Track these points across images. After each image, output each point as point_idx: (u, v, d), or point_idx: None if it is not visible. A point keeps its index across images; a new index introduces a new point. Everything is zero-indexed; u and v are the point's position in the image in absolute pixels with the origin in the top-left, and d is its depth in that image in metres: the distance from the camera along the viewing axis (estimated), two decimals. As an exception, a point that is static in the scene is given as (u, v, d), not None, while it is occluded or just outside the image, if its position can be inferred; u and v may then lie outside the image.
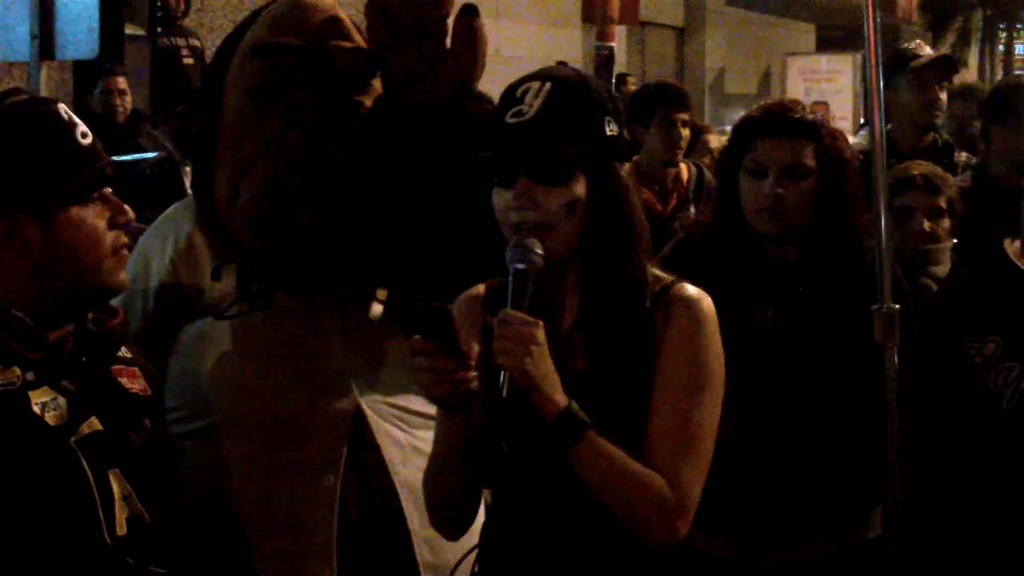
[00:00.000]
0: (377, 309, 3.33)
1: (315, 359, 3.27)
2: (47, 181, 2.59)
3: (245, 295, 3.22)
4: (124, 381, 2.75)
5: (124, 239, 2.70)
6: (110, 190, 2.69)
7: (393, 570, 3.28)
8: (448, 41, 3.29)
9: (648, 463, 2.69)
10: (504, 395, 2.63)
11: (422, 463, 2.93)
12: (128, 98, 9.66)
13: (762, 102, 4.00)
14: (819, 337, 3.74)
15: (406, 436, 3.32)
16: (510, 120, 2.76)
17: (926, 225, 4.63)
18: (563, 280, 2.81)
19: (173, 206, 3.47)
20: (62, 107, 2.69)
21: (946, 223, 4.68)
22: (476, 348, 2.69)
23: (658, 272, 2.86)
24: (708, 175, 6.78)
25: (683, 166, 6.72)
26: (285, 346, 3.25)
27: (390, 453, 3.29)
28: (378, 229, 3.18)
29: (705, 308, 2.80)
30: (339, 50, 3.27)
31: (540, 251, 2.69)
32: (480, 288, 2.93)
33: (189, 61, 11.48)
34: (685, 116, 6.61)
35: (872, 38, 4.06)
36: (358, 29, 3.38)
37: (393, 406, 3.34)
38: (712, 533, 3.64)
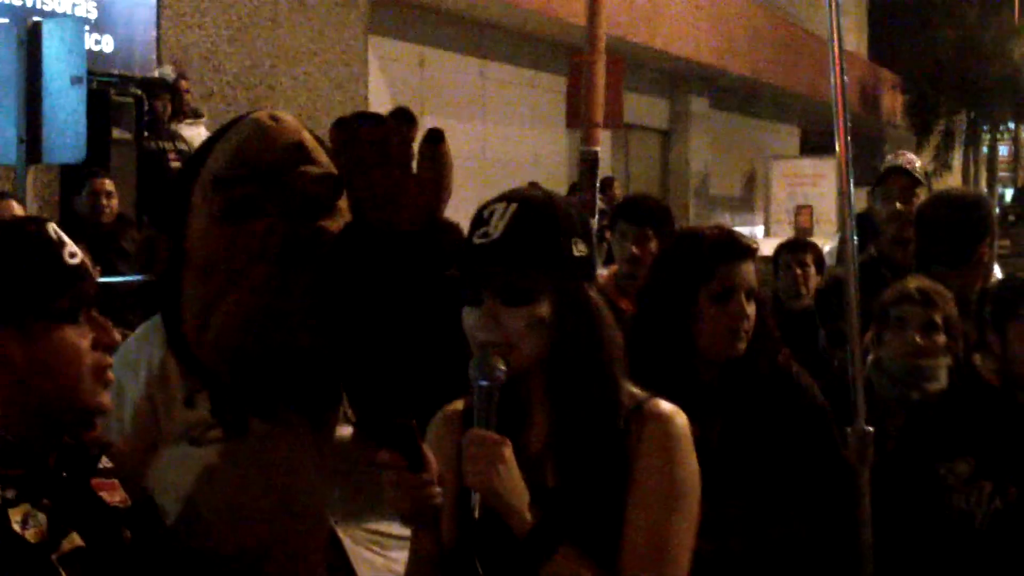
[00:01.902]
0: (347, 431, 3.34)
1: (291, 485, 3.26)
2: (31, 299, 2.61)
3: (220, 422, 3.25)
4: (104, 495, 2.75)
5: (108, 360, 2.70)
6: (98, 312, 2.71)
7: None
8: (414, 166, 3.30)
9: None
10: (476, 515, 2.66)
11: None
12: (115, 200, 9.71)
13: (708, 228, 4.05)
14: (766, 450, 3.81)
15: (383, 560, 3.30)
16: (476, 241, 2.82)
17: (918, 339, 4.68)
18: (531, 396, 2.84)
19: (142, 327, 3.48)
20: (51, 226, 2.72)
21: (941, 338, 4.71)
22: (437, 464, 2.71)
23: (633, 389, 2.88)
24: None
25: None
26: (262, 471, 3.25)
27: None
28: (347, 353, 3.21)
29: (679, 425, 2.83)
30: (302, 178, 3.29)
31: (503, 367, 2.73)
32: (458, 404, 2.96)
33: (176, 164, 11.54)
34: (644, 231, 6.63)
35: (843, 144, 4.18)
36: (322, 144, 3.41)
37: (368, 530, 3.32)
38: None
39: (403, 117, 3.29)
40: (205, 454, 3.25)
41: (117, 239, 9.51)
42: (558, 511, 2.72)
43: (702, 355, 3.86)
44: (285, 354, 3.22)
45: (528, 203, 2.85)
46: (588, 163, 14.97)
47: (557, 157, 21.85)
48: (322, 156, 3.38)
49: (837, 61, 4.29)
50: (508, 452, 2.68)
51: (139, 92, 11.62)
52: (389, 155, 3.27)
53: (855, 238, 4.35)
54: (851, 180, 4.26)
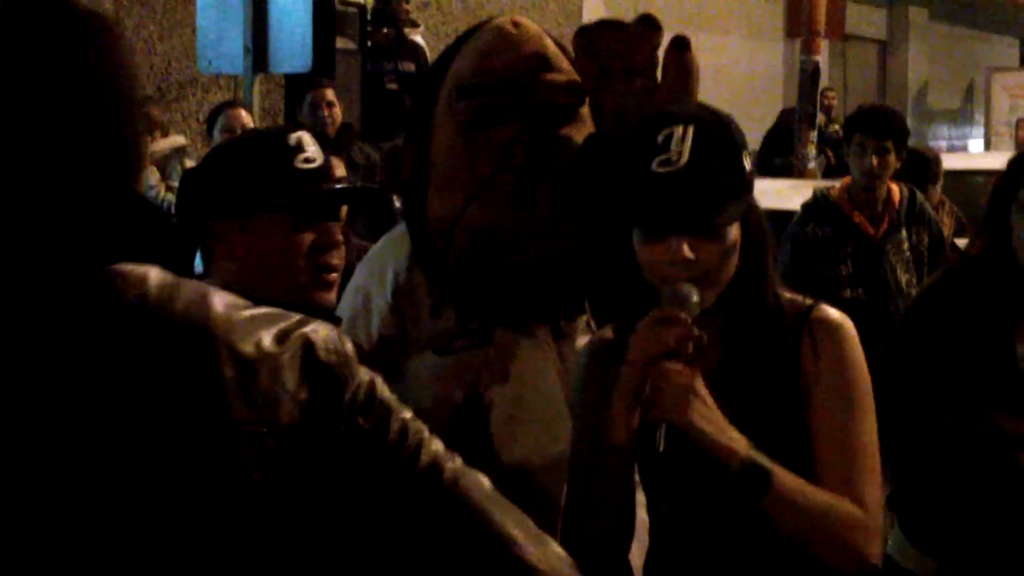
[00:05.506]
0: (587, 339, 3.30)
1: (535, 392, 3.28)
2: (252, 194, 2.81)
3: (465, 331, 3.27)
4: None
5: (331, 261, 2.84)
6: (333, 220, 2.87)
7: None
8: (658, 74, 3.27)
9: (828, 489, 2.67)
10: (660, 450, 2.56)
11: None
12: (336, 110, 9.73)
13: None
14: None
15: None
16: (659, 170, 2.62)
17: None
18: (711, 325, 2.72)
19: (385, 238, 3.52)
20: (296, 135, 2.89)
21: None
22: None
23: (789, 293, 2.82)
24: (921, 197, 6.75)
25: (895, 188, 6.66)
26: (508, 379, 3.27)
27: None
28: (592, 263, 3.19)
29: (849, 330, 2.77)
30: (546, 85, 3.26)
31: (697, 299, 2.61)
32: (607, 332, 2.90)
33: (392, 87, 11.63)
34: (883, 143, 6.50)
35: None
36: (564, 50, 3.38)
37: None
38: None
39: (648, 24, 3.26)
40: (450, 362, 3.27)
41: (345, 150, 9.57)
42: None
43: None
44: (530, 264, 3.21)
45: (704, 123, 2.67)
46: (809, 73, 14.76)
47: (774, 69, 21.57)
48: (564, 63, 3.34)
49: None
50: (700, 383, 2.58)
51: (363, 1, 11.73)
52: (633, 63, 3.24)
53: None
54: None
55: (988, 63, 28.21)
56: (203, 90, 11.77)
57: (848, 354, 2.75)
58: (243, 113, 8.23)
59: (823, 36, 15.34)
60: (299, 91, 9.96)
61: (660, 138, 2.64)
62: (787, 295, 2.82)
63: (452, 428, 3.22)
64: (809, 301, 2.80)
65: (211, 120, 8.33)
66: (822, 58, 15.57)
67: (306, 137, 2.90)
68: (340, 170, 5.23)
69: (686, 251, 2.60)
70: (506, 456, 3.25)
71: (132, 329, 1.76)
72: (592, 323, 3.34)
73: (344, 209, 4.80)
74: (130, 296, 1.78)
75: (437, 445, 1.99)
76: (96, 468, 1.72)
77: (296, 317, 1.91)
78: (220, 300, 1.85)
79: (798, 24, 15.48)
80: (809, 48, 15.01)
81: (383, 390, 1.96)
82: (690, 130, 2.63)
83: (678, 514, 2.78)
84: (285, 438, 1.82)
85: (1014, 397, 3.55)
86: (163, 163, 8.53)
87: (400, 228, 3.43)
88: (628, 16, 3.34)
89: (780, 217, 6.53)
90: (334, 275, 2.86)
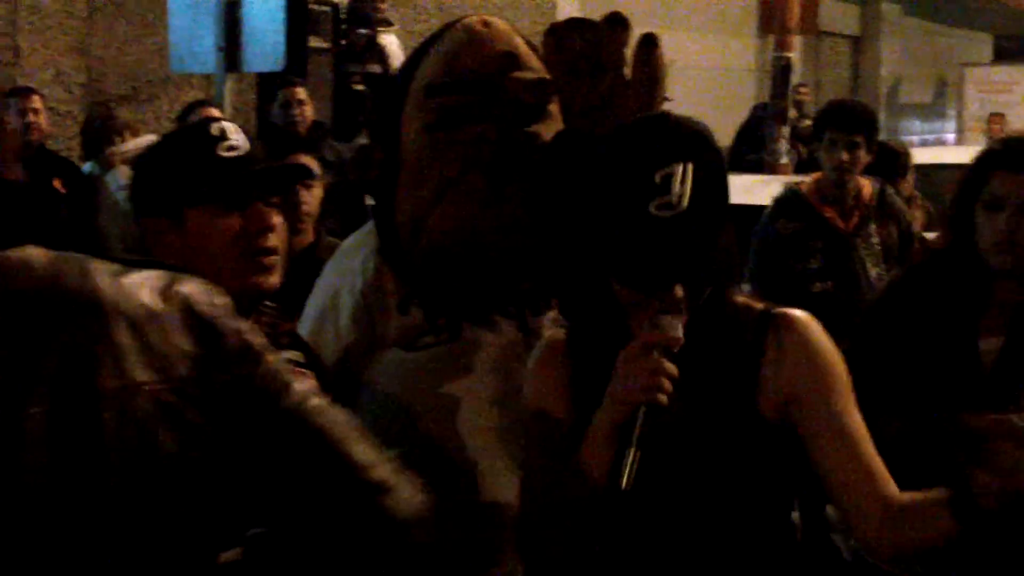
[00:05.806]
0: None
1: (503, 387, 3.29)
2: (178, 187, 2.81)
3: (433, 328, 3.30)
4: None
5: (265, 244, 2.83)
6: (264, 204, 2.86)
7: None
8: (628, 71, 3.31)
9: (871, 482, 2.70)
10: (623, 486, 2.49)
11: None
12: (308, 108, 9.75)
13: (1004, 135, 3.88)
14: None
15: None
16: (658, 213, 2.52)
17: None
18: None
19: (354, 236, 3.54)
20: (219, 125, 2.91)
21: None
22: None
23: (744, 298, 2.81)
24: (890, 191, 6.78)
25: (865, 183, 6.68)
26: (475, 375, 3.30)
27: None
28: (560, 259, 3.20)
29: (814, 323, 2.77)
30: (515, 83, 3.27)
31: (681, 331, 2.57)
32: (559, 334, 2.90)
33: (359, 87, 11.63)
34: (853, 138, 6.54)
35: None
36: (534, 48, 3.40)
37: None
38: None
39: (616, 22, 3.28)
40: (417, 359, 3.30)
41: (316, 148, 9.57)
42: (687, 437, 2.68)
43: (988, 267, 3.69)
44: (498, 260, 3.24)
45: (701, 159, 2.57)
46: (781, 69, 14.80)
47: (746, 65, 21.62)
48: (534, 61, 3.36)
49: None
50: None
51: (336, 1, 11.74)
52: (602, 61, 3.27)
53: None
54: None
55: (961, 59, 28.33)
56: (176, 89, 11.75)
57: (819, 345, 2.75)
58: (213, 112, 8.23)
59: (796, 32, 15.38)
60: (271, 90, 9.97)
61: (658, 177, 2.53)
62: (742, 299, 2.81)
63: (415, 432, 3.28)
64: (764, 304, 2.79)
65: (183, 119, 8.34)
66: (795, 54, 15.60)
67: (229, 126, 2.91)
68: (312, 167, 5.25)
69: (678, 292, 2.58)
70: (471, 451, 3.28)
71: (29, 315, 1.83)
72: (560, 319, 3.35)
73: (315, 203, 4.88)
74: (20, 283, 1.84)
75: (299, 385, 2.06)
76: (11, 454, 1.78)
77: (167, 273, 2.00)
78: (101, 269, 1.91)
79: (771, 20, 15.51)
80: (782, 44, 15.05)
81: (254, 337, 2.04)
82: (689, 169, 2.53)
83: (618, 557, 2.76)
84: (181, 392, 1.91)
85: (977, 393, 3.57)
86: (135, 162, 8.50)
87: (369, 225, 3.45)
88: (602, 14, 3.36)
89: (751, 212, 6.56)
90: (272, 257, 2.86)
